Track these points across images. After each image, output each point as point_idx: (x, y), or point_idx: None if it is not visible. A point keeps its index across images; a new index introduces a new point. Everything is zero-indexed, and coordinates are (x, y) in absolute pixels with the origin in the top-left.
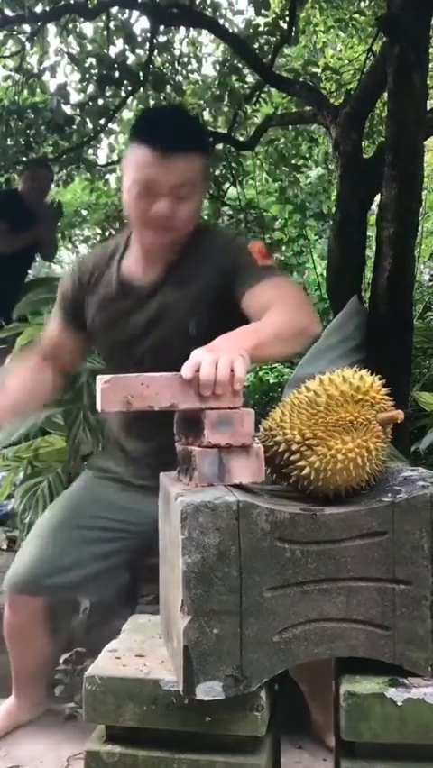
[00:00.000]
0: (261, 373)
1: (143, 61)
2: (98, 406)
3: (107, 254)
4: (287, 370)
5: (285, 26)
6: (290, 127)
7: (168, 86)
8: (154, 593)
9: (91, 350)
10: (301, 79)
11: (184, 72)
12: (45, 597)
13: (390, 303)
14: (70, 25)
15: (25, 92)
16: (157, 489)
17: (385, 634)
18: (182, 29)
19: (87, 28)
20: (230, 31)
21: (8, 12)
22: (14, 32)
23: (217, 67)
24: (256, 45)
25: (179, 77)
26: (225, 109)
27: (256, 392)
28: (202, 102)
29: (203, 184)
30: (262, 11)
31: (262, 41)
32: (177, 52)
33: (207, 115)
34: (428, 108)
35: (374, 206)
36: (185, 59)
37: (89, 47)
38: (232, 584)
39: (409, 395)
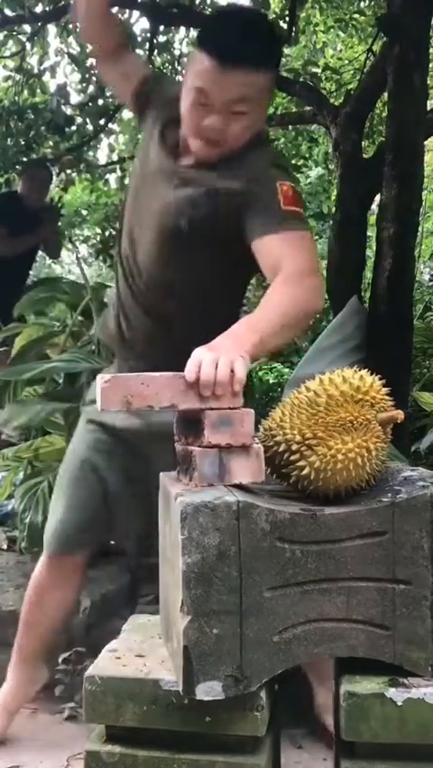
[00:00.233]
0: (261, 373)
1: (143, 61)
2: (98, 406)
3: (174, 102)
4: (287, 370)
5: (285, 26)
6: (290, 127)
7: None
8: (154, 593)
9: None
10: (301, 79)
11: (184, 72)
12: (82, 553)
13: (390, 303)
14: (70, 25)
15: (25, 92)
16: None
17: (385, 634)
18: (182, 29)
19: None
20: None
21: (8, 12)
22: (14, 32)
23: None
24: None
25: (179, 77)
26: None
27: (256, 392)
28: None
29: (265, 101)
30: (262, 11)
31: None
32: (177, 52)
33: None
34: (429, 108)
35: (374, 206)
36: (185, 59)
37: (89, 47)
38: (232, 584)
39: (409, 395)
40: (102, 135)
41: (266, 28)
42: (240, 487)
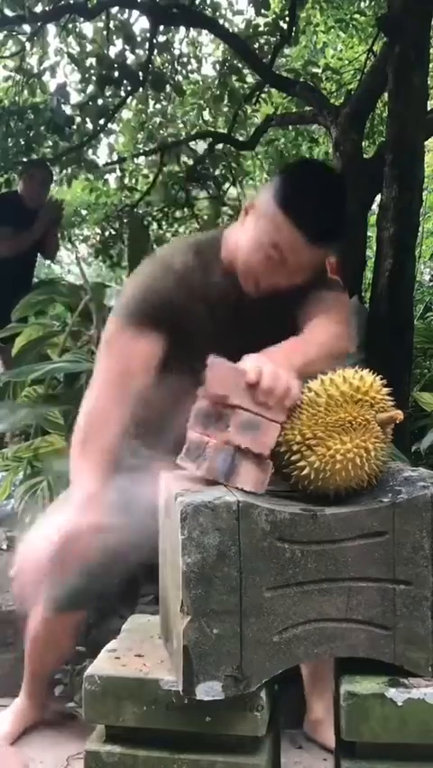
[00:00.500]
0: None
1: (143, 61)
2: None
3: (200, 262)
4: None
5: (285, 26)
6: (290, 127)
7: (168, 86)
8: (154, 593)
9: None
10: (301, 79)
11: (184, 72)
12: (85, 612)
13: (390, 303)
14: (70, 25)
15: (25, 92)
16: None
17: (385, 634)
18: (182, 29)
19: (87, 28)
20: (230, 31)
21: (8, 12)
22: (14, 32)
23: (217, 67)
24: (256, 45)
25: (179, 77)
26: (225, 109)
27: None
28: (202, 102)
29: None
30: (262, 11)
31: (262, 41)
32: (177, 52)
33: (206, 115)
34: (429, 108)
35: (374, 206)
36: (185, 59)
37: (89, 47)
38: (232, 584)
39: (409, 395)
40: (102, 135)
41: (345, 196)
42: (240, 489)
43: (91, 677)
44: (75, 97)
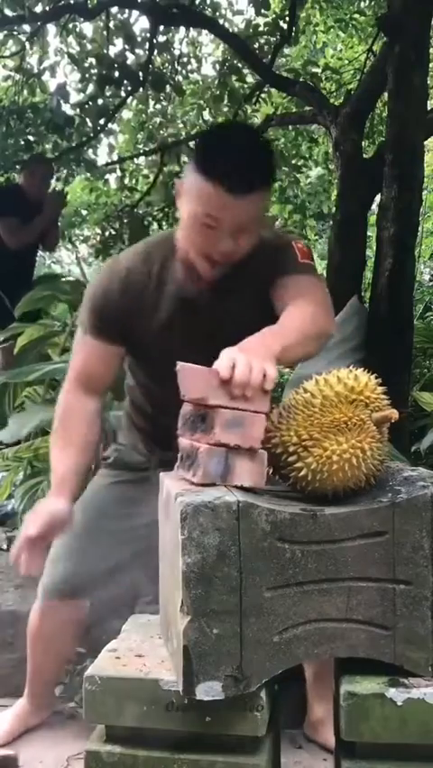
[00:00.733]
0: None
1: (143, 61)
2: None
3: (154, 267)
4: (287, 370)
5: (285, 26)
6: (290, 127)
7: (168, 86)
8: (154, 593)
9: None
10: (301, 79)
11: (184, 72)
12: (84, 601)
13: (390, 303)
14: (70, 25)
15: (25, 92)
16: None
17: (385, 634)
18: (182, 29)
19: (87, 28)
20: (230, 31)
21: (8, 12)
22: (14, 32)
23: (217, 67)
24: (256, 45)
25: (179, 77)
26: (225, 109)
27: None
28: (202, 102)
29: (266, 210)
30: (262, 11)
31: (262, 41)
32: (177, 52)
33: (207, 115)
34: (429, 108)
35: (374, 206)
36: (185, 59)
37: (89, 47)
38: (232, 584)
39: (409, 395)
40: (102, 135)
41: (263, 144)
42: (240, 487)
43: (91, 677)
44: (75, 97)
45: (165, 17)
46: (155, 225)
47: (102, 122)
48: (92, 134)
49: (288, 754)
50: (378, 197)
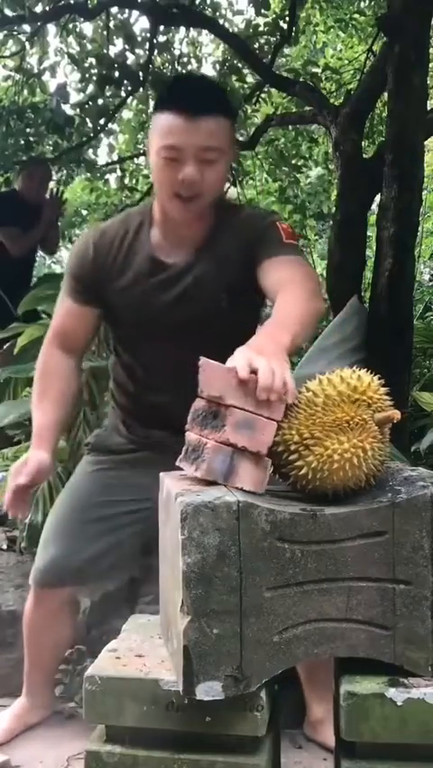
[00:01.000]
0: None
1: (143, 61)
2: None
3: (129, 230)
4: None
5: (285, 26)
6: (290, 127)
7: None
8: (154, 593)
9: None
10: (301, 79)
11: (184, 72)
12: (72, 589)
13: (390, 303)
14: (70, 25)
15: (25, 92)
16: (162, 447)
17: (385, 634)
18: (182, 29)
19: (87, 28)
20: (230, 31)
21: (8, 12)
22: (14, 32)
23: (217, 67)
24: (256, 45)
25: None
26: None
27: None
28: None
29: (230, 149)
30: (262, 11)
31: (262, 41)
32: (177, 52)
33: None
34: (429, 108)
35: (374, 206)
36: (185, 59)
37: (89, 47)
38: (232, 584)
39: (409, 395)
40: (102, 135)
41: (218, 84)
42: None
43: (91, 677)
44: (75, 97)
45: (165, 17)
46: None
47: (102, 122)
48: (92, 134)
49: (288, 754)
50: (378, 197)
